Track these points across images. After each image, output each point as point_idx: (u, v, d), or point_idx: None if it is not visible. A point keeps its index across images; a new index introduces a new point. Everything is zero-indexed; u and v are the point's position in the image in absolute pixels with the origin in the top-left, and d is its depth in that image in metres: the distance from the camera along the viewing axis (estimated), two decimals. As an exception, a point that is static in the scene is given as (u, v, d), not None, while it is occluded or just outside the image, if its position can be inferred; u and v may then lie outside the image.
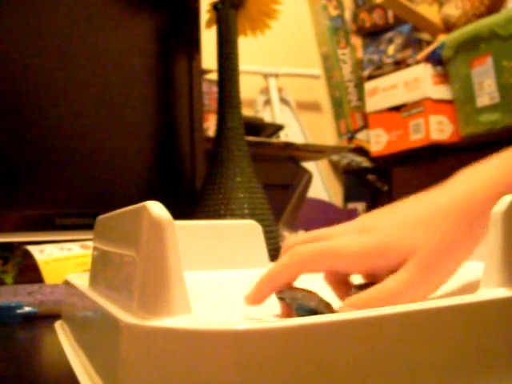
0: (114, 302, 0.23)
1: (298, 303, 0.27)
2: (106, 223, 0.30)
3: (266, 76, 1.87)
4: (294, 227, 0.99)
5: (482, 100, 1.40)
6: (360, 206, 1.85)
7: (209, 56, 0.84)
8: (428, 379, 0.19)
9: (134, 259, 0.21)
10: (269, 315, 0.29)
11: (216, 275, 0.40)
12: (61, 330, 0.36)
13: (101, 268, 0.29)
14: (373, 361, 0.19)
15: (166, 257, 0.20)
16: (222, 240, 0.44)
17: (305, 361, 0.18)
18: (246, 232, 0.45)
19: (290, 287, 0.29)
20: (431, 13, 1.63)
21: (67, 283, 0.37)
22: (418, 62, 1.60)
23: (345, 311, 0.26)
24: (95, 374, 0.24)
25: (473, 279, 0.29)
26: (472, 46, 1.42)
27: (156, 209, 0.21)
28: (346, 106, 2.04)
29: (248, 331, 0.18)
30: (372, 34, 1.94)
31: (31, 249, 0.55)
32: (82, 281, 0.33)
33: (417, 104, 1.58)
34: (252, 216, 0.65)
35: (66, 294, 0.38)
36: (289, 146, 1.02)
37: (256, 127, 1.07)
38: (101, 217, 0.32)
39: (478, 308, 0.21)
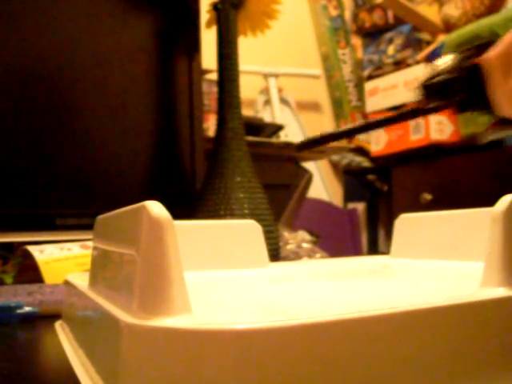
0: (114, 302, 0.23)
1: None
2: (106, 223, 0.30)
3: (266, 76, 1.87)
4: (293, 227, 0.99)
5: (482, 100, 1.40)
6: (360, 205, 1.84)
7: (209, 56, 0.84)
8: (428, 379, 0.19)
9: (133, 258, 0.21)
10: (269, 315, 0.29)
11: (216, 275, 0.40)
12: (61, 329, 0.36)
13: (101, 268, 0.29)
14: (373, 360, 0.19)
15: (165, 257, 0.20)
16: (222, 240, 0.44)
17: (306, 360, 0.18)
18: (246, 232, 0.45)
19: None
20: (431, 13, 1.63)
21: (67, 283, 0.37)
22: (418, 62, 1.60)
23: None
24: (95, 374, 0.24)
25: (473, 279, 0.29)
26: (472, 45, 1.42)
27: (155, 208, 0.21)
28: (346, 106, 2.04)
29: (248, 331, 0.18)
30: (372, 34, 1.94)
31: (31, 249, 0.55)
32: (81, 281, 0.33)
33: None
34: (252, 216, 0.65)
35: (66, 294, 0.38)
36: (289, 145, 1.02)
37: (256, 127, 1.07)
38: (100, 216, 0.32)
39: (478, 308, 0.21)
